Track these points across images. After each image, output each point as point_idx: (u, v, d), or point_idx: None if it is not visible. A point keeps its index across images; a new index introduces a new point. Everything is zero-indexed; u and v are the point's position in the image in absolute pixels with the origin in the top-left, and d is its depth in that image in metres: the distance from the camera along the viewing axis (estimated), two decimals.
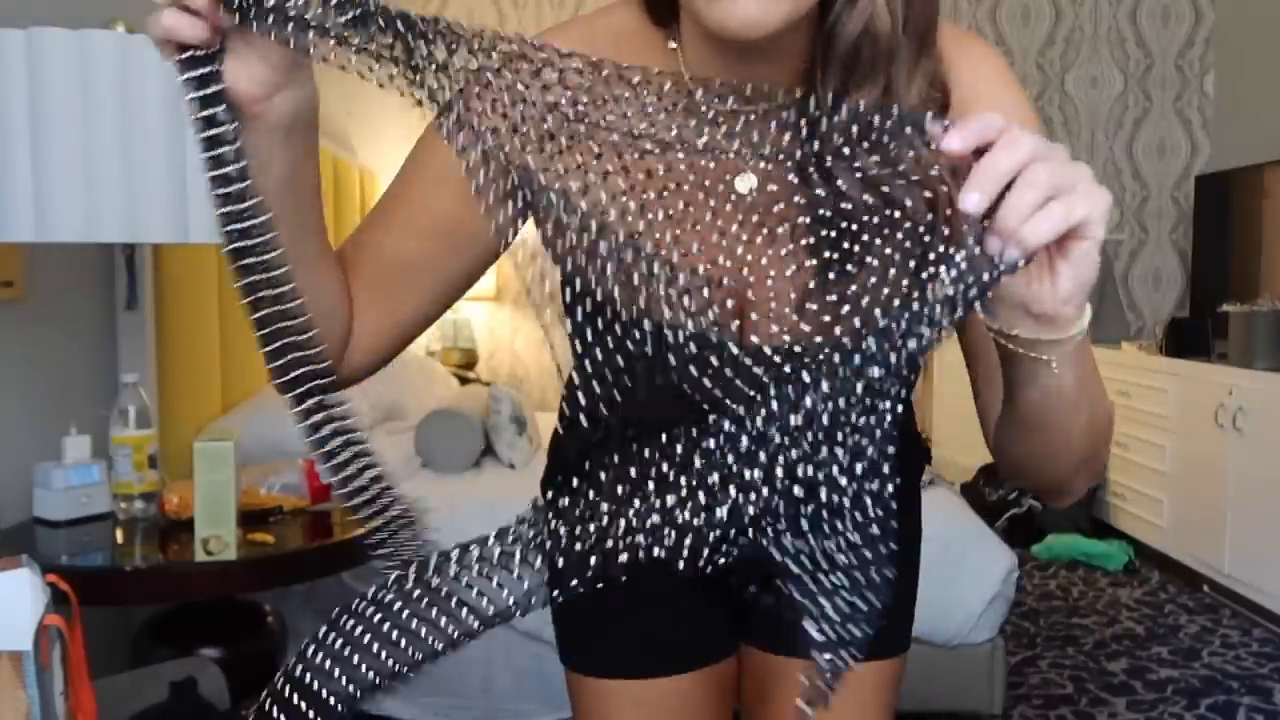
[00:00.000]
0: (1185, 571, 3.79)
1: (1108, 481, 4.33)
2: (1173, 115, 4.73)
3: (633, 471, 0.70)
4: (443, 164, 0.77)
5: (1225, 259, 4.22)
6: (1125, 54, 4.72)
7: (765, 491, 0.66)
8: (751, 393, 0.67)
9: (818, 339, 0.68)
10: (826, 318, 0.68)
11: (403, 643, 0.67)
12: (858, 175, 0.64)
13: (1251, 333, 3.45)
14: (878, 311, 0.65)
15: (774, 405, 0.65)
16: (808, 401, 0.64)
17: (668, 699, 0.98)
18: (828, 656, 0.67)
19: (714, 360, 0.69)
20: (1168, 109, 4.73)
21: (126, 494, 1.82)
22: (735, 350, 0.69)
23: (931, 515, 2.83)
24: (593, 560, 0.71)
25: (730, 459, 0.67)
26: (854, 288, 0.66)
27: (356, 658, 0.66)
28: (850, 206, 0.65)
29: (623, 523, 0.70)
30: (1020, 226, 0.57)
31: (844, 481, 0.66)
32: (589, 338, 0.73)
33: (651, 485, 0.69)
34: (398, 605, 0.67)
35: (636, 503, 0.70)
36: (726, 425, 0.66)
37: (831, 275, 0.68)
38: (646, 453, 0.70)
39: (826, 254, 0.68)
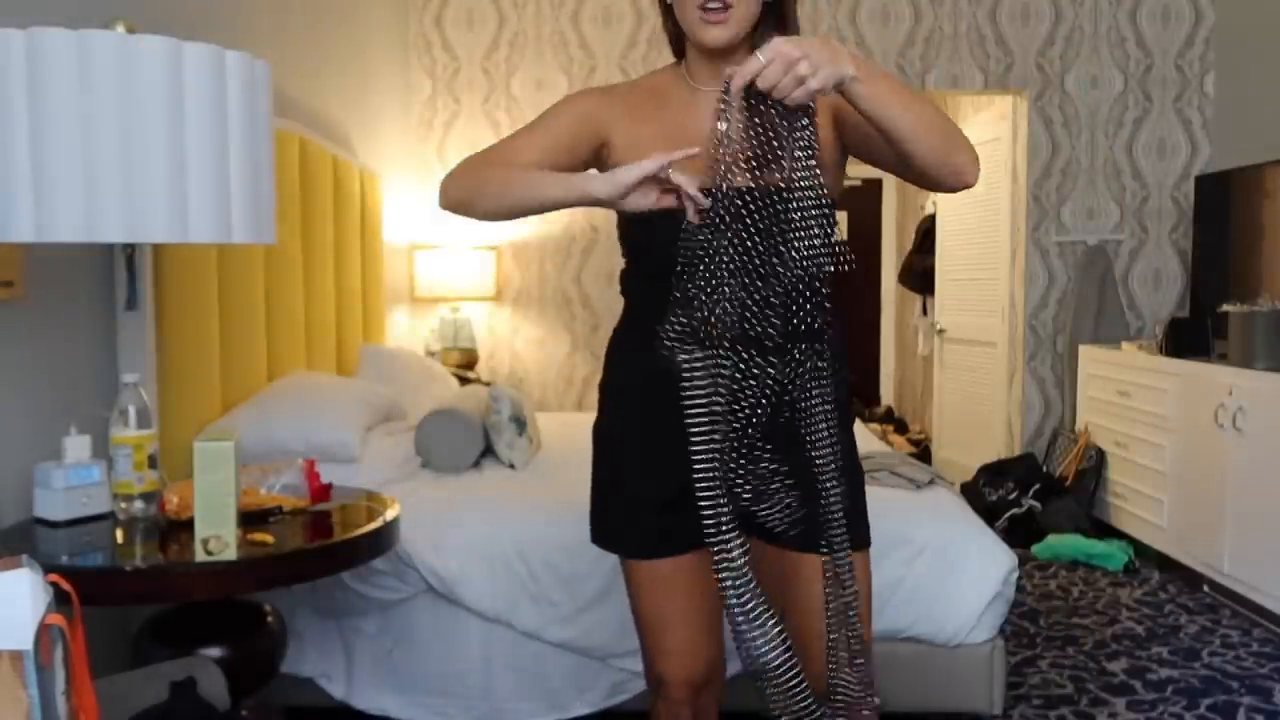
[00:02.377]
0: (1185, 571, 3.79)
1: (1108, 481, 4.33)
2: (1173, 115, 4.74)
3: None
4: (556, 143, 1.46)
5: (1225, 259, 4.22)
6: (1125, 54, 4.72)
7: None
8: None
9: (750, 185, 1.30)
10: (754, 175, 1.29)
11: None
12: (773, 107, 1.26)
13: (1251, 333, 3.45)
14: (786, 164, 1.27)
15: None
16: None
17: (675, 571, 1.51)
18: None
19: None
20: (1168, 109, 4.73)
21: (126, 494, 1.83)
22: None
23: (932, 515, 2.84)
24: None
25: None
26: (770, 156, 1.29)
27: None
28: (769, 123, 1.27)
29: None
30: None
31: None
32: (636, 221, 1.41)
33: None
34: None
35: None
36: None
37: (760, 153, 1.29)
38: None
39: (757, 146, 1.28)
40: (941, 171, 1.29)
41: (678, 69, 1.53)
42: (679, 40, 1.51)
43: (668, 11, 1.48)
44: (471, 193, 1.41)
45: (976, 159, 1.31)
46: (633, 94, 1.52)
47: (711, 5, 1.37)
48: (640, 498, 1.51)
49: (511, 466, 2.91)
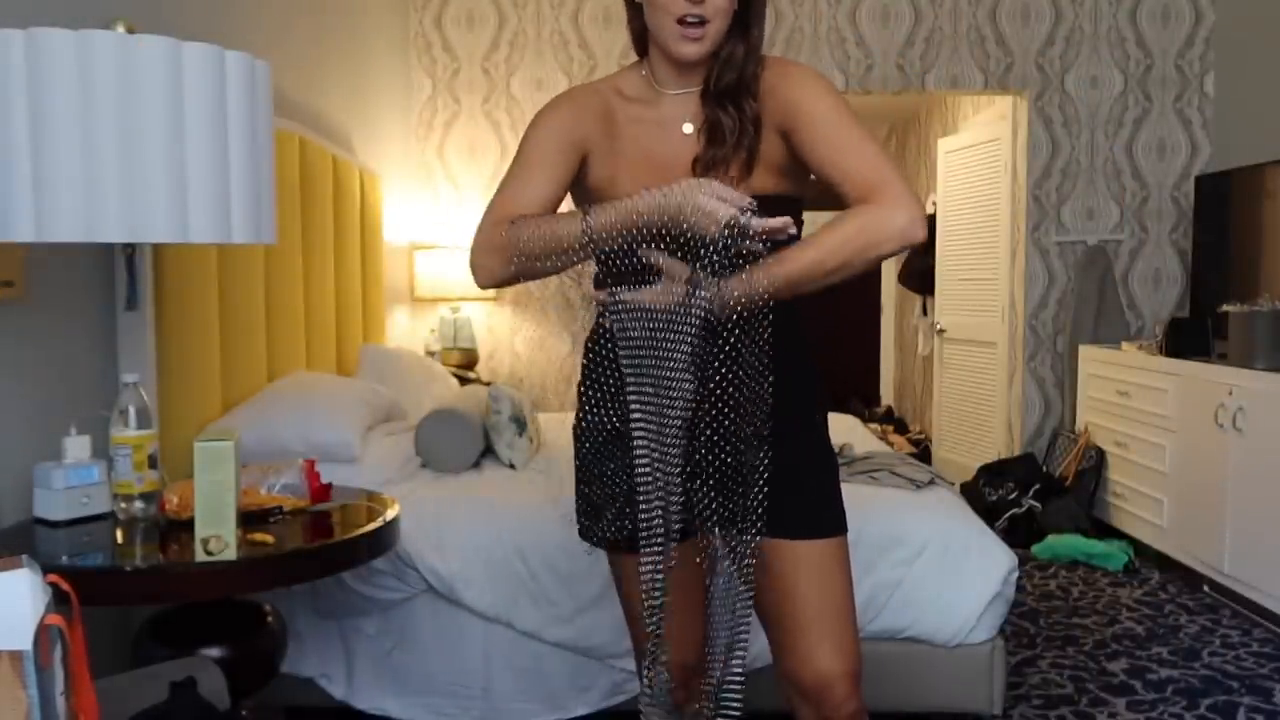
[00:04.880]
0: (1185, 571, 3.79)
1: (1108, 481, 4.33)
2: (1173, 115, 4.73)
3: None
4: (554, 176, 1.46)
5: (1225, 259, 4.22)
6: (1125, 54, 4.72)
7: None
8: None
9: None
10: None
11: None
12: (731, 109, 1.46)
13: (1251, 333, 3.45)
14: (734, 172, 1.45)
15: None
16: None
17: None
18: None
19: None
20: (1168, 109, 4.73)
21: (126, 494, 1.83)
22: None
23: (932, 515, 2.83)
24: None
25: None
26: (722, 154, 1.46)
27: None
28: (729, 120, 1.45)
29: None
30: None
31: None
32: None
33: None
34: None
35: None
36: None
37: (714, 155, 1.45)
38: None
39: (714, 146, 1.46)
40: (885, 260, 1.38)
41: (640, 70, 1.54)
42: (642, 39, 1.52)
43: (636, 10, 1.49)
44: (519, 263, 1.37)
45: (908, 222, 1.32)
46: (601, 101, 1.52)
47: (690, 20, 1.40)
48: (611, 493, 1.54)
49: (511, 466, 2.91)
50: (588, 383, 1.56)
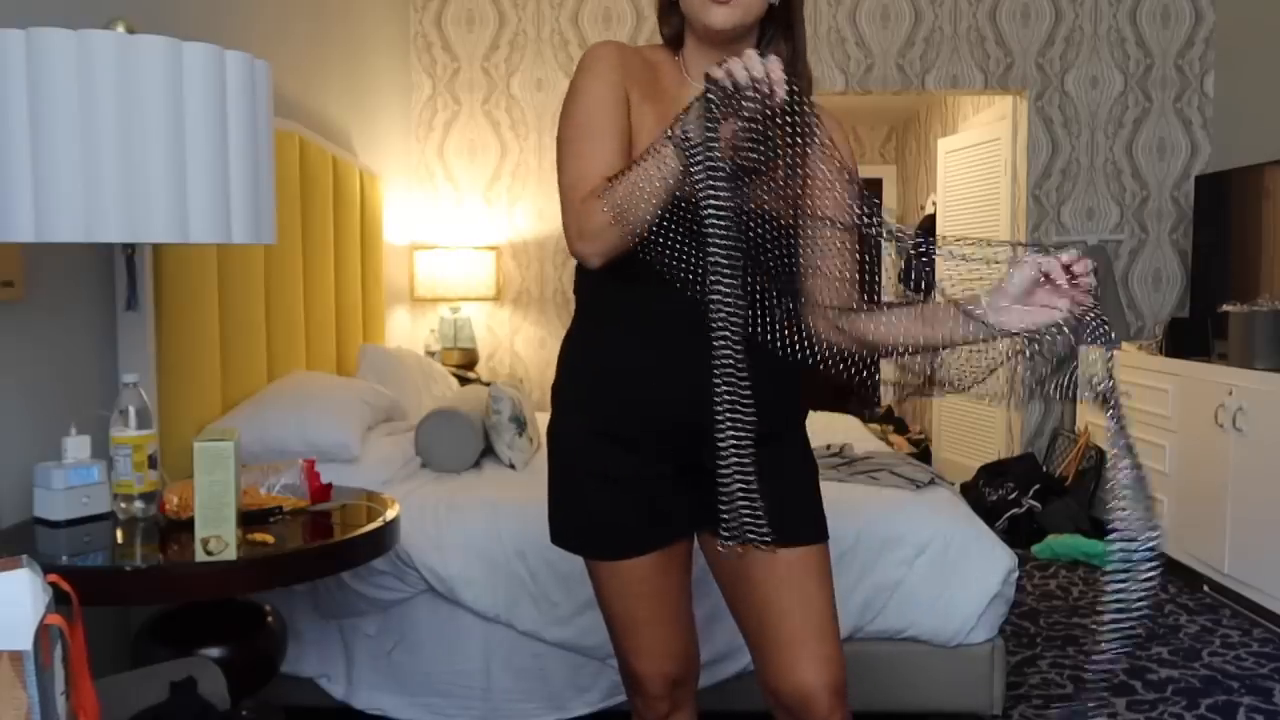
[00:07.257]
0: (1185, 571, 3.79)
1: (1108, 481, 4.33)
2: (1173, 115, 4.73)
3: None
4: (620, 125, 1.40)
5: (1225, 259, 4.22)
6: (1125, 54, 4.72)
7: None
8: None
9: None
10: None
11: None
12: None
13: (1251, 333, 3.45)
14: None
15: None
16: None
17: (638, 571, 1.50)
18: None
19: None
20: (1168, 109, 4.73)
21: (126, 494, 1.83)
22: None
23: (932, 515, 2.83)
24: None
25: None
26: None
27: None
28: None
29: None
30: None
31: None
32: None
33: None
34: None
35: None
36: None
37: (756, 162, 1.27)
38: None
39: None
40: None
41: (674, 56, 1.51)
42: (676, 37, 1.50)
43: (668, 3, 1.47)
44: (624, 227, 1.30)
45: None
46: (639, 63, 1.48)
47: None
48: (599, 506, 1.51)
49: (511, 466, 2.91)
50: (569, 383, 1.54)
